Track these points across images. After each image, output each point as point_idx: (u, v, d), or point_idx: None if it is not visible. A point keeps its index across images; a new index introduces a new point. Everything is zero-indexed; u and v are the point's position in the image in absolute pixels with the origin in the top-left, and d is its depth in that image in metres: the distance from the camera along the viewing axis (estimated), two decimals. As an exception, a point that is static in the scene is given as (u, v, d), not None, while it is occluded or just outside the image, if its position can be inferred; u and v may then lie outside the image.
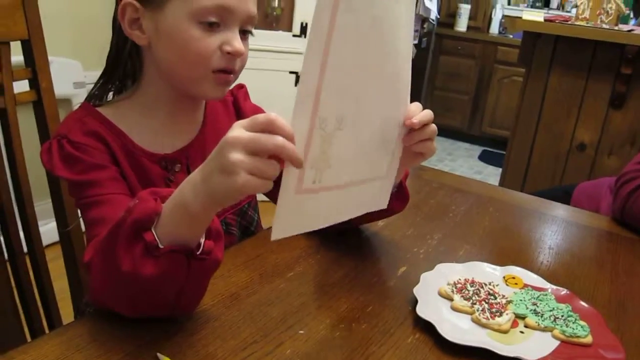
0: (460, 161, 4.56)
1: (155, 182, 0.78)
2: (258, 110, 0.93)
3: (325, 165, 0.57)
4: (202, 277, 0.61)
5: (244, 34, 0.77)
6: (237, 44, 0.74)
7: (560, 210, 1.20)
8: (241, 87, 0.94)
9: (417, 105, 0.72)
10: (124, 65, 0.80)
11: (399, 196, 0.86)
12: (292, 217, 0.56)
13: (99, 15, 2.31)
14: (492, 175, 4.20)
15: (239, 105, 0.92)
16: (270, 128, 0.50)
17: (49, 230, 1.07)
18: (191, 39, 0.72)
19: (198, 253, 0.57)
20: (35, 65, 0.93)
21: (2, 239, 0.94)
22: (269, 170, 0.50)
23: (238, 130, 0.51)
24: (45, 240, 1.01)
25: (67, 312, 1.05)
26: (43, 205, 1.05)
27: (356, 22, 0.54)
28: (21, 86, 0.94)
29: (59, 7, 2.25)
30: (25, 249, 0.97)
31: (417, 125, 0.70)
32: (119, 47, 0.79)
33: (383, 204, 0.76)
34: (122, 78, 0.81)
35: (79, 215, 0.77)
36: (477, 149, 4.91)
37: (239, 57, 0.75)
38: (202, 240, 0.58)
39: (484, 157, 4.70)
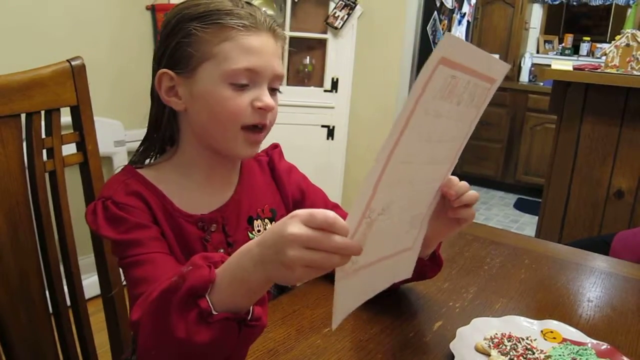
0: (495, 210, 4.50)
1: (192, 243, 0.81)
2: (292, 168, 0.96)
3: (363, 246, 0.57)
4: (249, 342, 0.62)
5: (272, 91, 0.81)
6: (267, 99, 0.78)
7: (598, 261, 1.18)
8: (275, 146, 0.98)
9: (455, 178, 0.75)
10: (163, 131, 0.84)
11: (433, 264, 0.88)
12: (344, 302, 0.59)
13: (139, 77, 2.44)
14: (528, 224, 4.13)
15: (274, 165, 0.95)
16: (329, 229, 0.51)
17: (90, 284, 1.11)
18: (223, 98, 0.76)
19: (249, 319, 0.58)
20: (83, 130, 0.99)
21: (47, 293, 0.97)
22: (326, 263, 0.52)
23: (297, 227, 0.51)
24: (88, 294, 1.04)
25: (106, 366, 1.07)
26: (85, 260, 1.09)
27: (425, 124, 0.57)
28: (68, 148, 1.00)
29: (101, 72, 2.38)
30: (68, 303, 1.00)
31: (454, 196, 0.73)
32: (158, 115, 0.84)
33: (407, 274, 0.78)
34: (162, 142, 0.86)
35: (122, 276, 0.80)
36: (512, 197, 4.85)
37: (270, 111, 0.79)
38: (251, 307, 0.59)
39: (520, 206, 4.64)
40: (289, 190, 0.94)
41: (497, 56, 3.41)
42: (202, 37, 0.76)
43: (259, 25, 0.77)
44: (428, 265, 0.86)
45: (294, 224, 0.52)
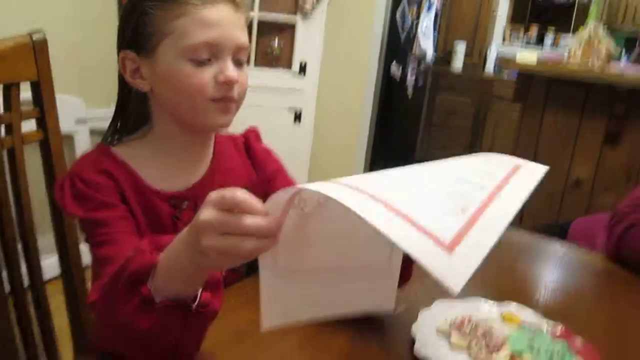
0: (458, 196, 4.57)
1: (163, 220, 0.80)
2: (268, 152, 0.96)
3: (301, 244, 0.54)
4: (198, 329, 0.61)
5: (238, 62, 0.79)
6: (229, 72, 0.76)
7: (556, 247, 1.21)
8: (253, 129, 0.97)
9: None
10: (132, 111, 0.83)
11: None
12: (278, 303, 0.54)
13: (101, 53, 2.37)
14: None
15: (249, 145, 0.94)
16: (237, 209, 0.49)
17: (49, 264, 1.08)
18: (185, 75, 0.75)
19: (194, 306, 0.57)
20: (44, 106, 0.96)
21: (5, 273, 0.95)
22: (243, 247, 0.49)
23: (207, 211, 0.49)
24: (47, 275, 1.02)
25: (66, 349, 1.05)
26: (45, 240, 1.07)
27: None
28: (28, 125, 0.97)
29: (63, 47, 2.30)
30: (26, 284, 0.98)
31: None
32: (125, 96, 0.83)
33: (388, 306, 0.71)
34: (133, 122, 0.85)
35: (82, 257, 0.78)
36: (475, 185, 4.94)
37: (234, 84, 0.77)
38: (200, 292, 0.58)
39: (482, 193, 4.72)
40: (265, 170, 0.93)
41: (464, 44, 3.42)
42: (158, 14, 0.75)
43: None
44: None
45: (206, 208, 0.50)
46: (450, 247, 0.46)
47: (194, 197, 0.83)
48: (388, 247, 0.66)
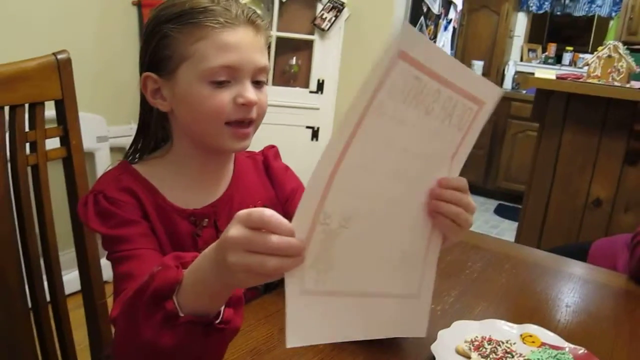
0: (476, 215, 4.43)
1: (183, 237, 0.81)
2: (287, 170, 0.97)
3: (328, 266, 0.53)
4: (220, 345, 0.61)
5: (258, 84, 0.80)
6: (249, 94, 0.77)
7: (577, 267, 1.20)
8: (272, 147, 0.98)
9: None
10: (153, 131, 0.85)
11: None
12: (304, 322, 0.53)
13: (122, 73, 2.42)
14: (508, 229, 4.17)
15: (268, 163, 0.95)
16: (265, 228, 0.49)
17: (70, 279, 1.10)
18: (203, 97, 0.76)
19: (217, 322, 0.58)
20: (67, 124, 0.98)
21: (27, 288, 0.96)
22: (268, 265, 0.49)
23: (235, 229, 0.50)
24: (68, 289, 1.03)
25: (85, 363, 1.06)
26: (66, 255, 1.08)
27: (383, 127, 0.52)
28: (52, 143, 0.99)
29: (85, 67, 2.36)
30: (48, 298, 0.99)
31: (442, 186, 0.65)
32: (146, 115, 0.85)
33: (420, 331, 0.68)
34: (155, 141, 0.86)
35: (102, 273, 0.79)
36: (493, 203, 4.90)
37: (253, 106, 0.78)
38: (222, 309, 0.58)
39: (500, 211, 4.69)
40: (283, 188, 0.94)
41: (481, 63, 3.42)
42: (177, 38, 0.76)
43: (235, 20, 0.76)
44: None
45: (234, 226, 0.50)
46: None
47: (214, 214, 0.84)
48: (420, 269, 0.65)
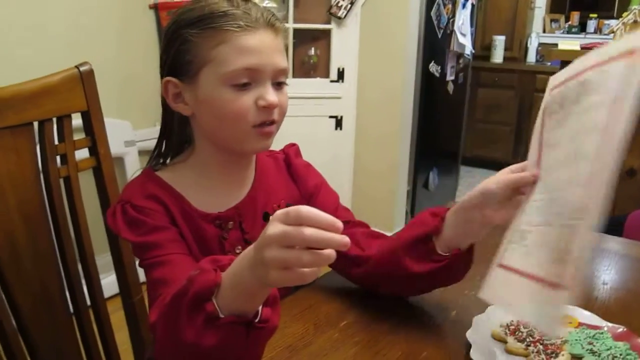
0: (506, 192, 4.47)
1: (210, 241, 0.82)
2: (309, 166, 0.97)
3: (520, 241, 0.64)
4: (259, 344, 0.63)
5: (279, 85, 0.81)
6: (270, 97, 0.78)
7: (612, 243, 1.17)
8: (293, 145, 0.98)
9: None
10: (176, 135, 0.86)
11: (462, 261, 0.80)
12: (498, 288, 0.64)
13: (145, 77, 2.45)
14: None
15: (290, 162, 0.95)
16: (300, 222, 0.50)
17: (109, 283, 1.12)
18: (226, 101, 0.77)
19: (256, 321, 0.59)
20: (94, 134, 1.00)
21: (68, 294, 0.99)
22: (304, 259, 0.51)
23: (273, 227, 0.51)
24: (106, 293, 1.06)
25: (129, 364, 1.09)
26: (102, 259, 1.11)
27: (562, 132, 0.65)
28: (81, 153, 1.01)
29: (108, 73, 2.39)
30: (88, 303, 1.02)
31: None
32: (168, 120, 0.86)
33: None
34: (177, 146, 0.87)
35: (139, 274, 0.81)
36: (523, 179, 4.83)
37: (274, 108, 0.79)
38: (260, 308, 0.60)
39: (531, 187, 4.61)
40: (306, 185, 0.94)
41: (502, 38, 3.37)
42: (198, 42, 0.76)
43: (254, 23, 0.77)
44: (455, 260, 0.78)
45: (273, 224, 0.52)
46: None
47: (239, 216, 0.85)
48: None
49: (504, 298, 0.68)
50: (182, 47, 0.78)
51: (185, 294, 0.58)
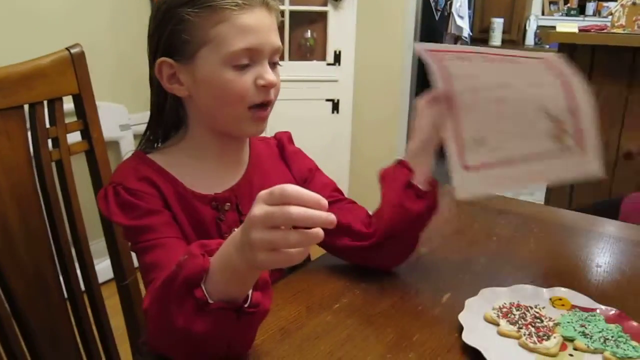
0: (504, 176, 4.47)
1: (207, 223, 0.82)
2: (301, 153, 0.97)
3: (481, 144, 0.81)
4: (251, 328, 0.63)
5: (273, 65, 0.81)
6: (269, 76, 0.78)
7: (608, 226, 1.17)
8: (285, 132, 0.98)
9: None
10: (167, 117, 0.85)
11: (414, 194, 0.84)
12: (471, 184, 0.82)
13: (140, 61, 2.42)
14: (538, 188, 4.08)
15: (283, 146, 0.95)
16: (284, 200, 0.50)
17: (103, 268, 1.12)
18: (227, 81, 0.76)
19: (246, 306, 0.58)
20: (87, 117, 1.00)
21: (61, 279, 0.99)
22: (291, 239, 0.50)
23: (258, 208, 0.51)
24: (101, 278, 1.06)
25: (124, 349, 1.09)
26: (96, 244, 1.11)
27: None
28: (73, 137, 1.00)
29: (102, 58, 2.37)
30: (82, 288, 1.02)
31: None
32: (159, 102, 0.84)
33: (593, 169, 0.84)
34: (167, 128, 0.86)
35: (134, 259, 0.81)
36: (521, 163, 4.82)
37: (273, 87, 0.79)
38: (250, 293, 0.59)
39: (529, 171, 4.61)
40: (300, 169, 0.94)
41: (501, 21, 3.37)
42: (195, 22, 0.75)
43: (251, 2, 0.76)
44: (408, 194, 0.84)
45: (257, 205, 0.51)
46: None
47: (235, 198, 0.85)
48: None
49: (493, 188, 0.89)
50: (177, 27, 0.76)
51: (175, 280, 0.57)
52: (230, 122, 0.81)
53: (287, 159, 0.94)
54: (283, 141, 0.96)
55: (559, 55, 0.77)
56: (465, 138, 0.83)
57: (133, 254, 1.04)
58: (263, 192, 0.52)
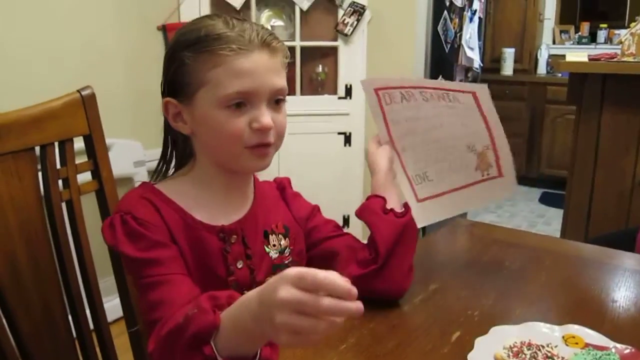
0: (520, 206, 4.44)
1: (212, 254, 0.81)
2: (298, 196, 0.98)
3: (425, 179, 1.00)
4: None
5: (277, 103, 0.81)
6: (264, 119, 0.77)
7: (623, 258, 1.15)
8: (285, 177, 0.99)
9: None
10: (178, 152, 0.88)
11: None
12: (425, 213, 0.99)
13: (155, 98, 2.46)
14: (555, 217, 4.05)
15: (283, 187, 0.97)
16: (319, 290, 0.50)
17: (112, 306, 1.12)
18: (221, 122, 0.77)
19: None
20: (97, 157, 1.01)
21: (70, 318, 0.99)
22: (319, 328, 0.50)
23: (286, 290, 0.50)
24: (110, 316, 1.05)
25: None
26: (105, 282, 1.11)
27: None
28: (83, 176, 1.01)
29: (119, 94, 2.42)
30: (92, 327, 1.02)
31: None
32: (171, 139, 0.88)
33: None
34: (179, 161, 0.89)
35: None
36: (537, 192, 4.78)
37: (268, 131, 0.79)
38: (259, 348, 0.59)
39: (545, 200, 4.57)
40: (299, 210, 0.95)
41: (512, 51, 3.42)
42: (194, 65, 0.77)
43: (248, 46, 0.77)
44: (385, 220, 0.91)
45: (284, 287, 0.50)
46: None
47: (242, 231, 0.85)
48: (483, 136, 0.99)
49: (440, 215, 1.03)
50: (179, 70, 0.79)
51: (183, 333, 0.57)
52: (230, 159, 0.82)
53: (287, 200, 0.95)
54: (284, 184, 0.97)
55: (483, 86, 0.92)
56: (411, 175, 1.02)
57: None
58: (292, 273, 0.51)
